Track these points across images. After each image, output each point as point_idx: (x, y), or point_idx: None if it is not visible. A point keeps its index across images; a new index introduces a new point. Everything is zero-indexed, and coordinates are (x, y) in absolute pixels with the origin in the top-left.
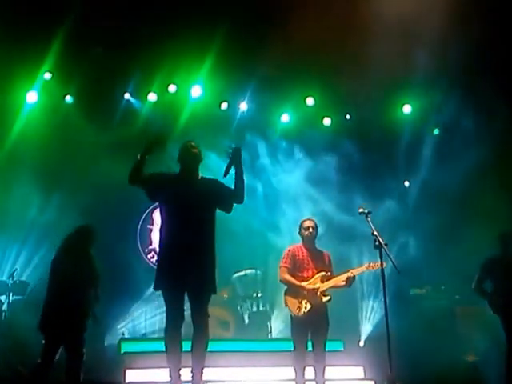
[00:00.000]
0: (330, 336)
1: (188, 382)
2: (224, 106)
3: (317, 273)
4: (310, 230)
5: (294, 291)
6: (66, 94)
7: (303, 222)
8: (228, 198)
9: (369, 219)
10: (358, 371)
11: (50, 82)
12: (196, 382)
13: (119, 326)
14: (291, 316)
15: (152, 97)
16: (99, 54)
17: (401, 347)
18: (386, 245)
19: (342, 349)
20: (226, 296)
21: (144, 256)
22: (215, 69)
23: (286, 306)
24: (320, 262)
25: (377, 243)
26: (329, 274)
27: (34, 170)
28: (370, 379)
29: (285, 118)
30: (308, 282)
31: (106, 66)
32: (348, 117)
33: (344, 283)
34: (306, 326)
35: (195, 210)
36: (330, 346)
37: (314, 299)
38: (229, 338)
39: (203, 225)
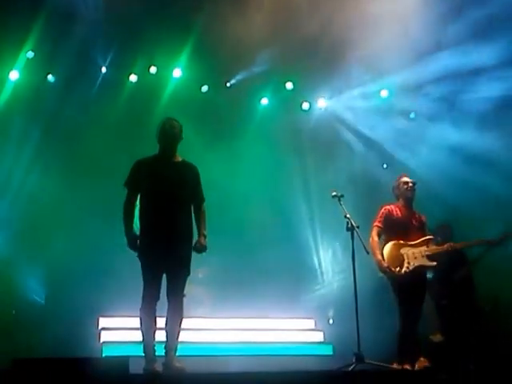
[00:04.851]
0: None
1: (161, 356)
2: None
3: (420, 235)
4: (410, 184)
5: (395, 248)
6: (48, 73)
7: (400, 178)
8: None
9: (341, 202)
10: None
11: (33, 61)
12: (170, 359)
13: None
14: (385, 276)
15: (133, 77)
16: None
17: (369, 325)
18: (357, 227)
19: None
20: (200, 275)
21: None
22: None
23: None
24: (419, 223)
25: (349, 225)
26: (432, 237)
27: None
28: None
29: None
30: (413, 243)
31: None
32: None
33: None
34: (405, 286)
35: (171, 192)
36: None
37: (419, 261)
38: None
39: (179, 206)
